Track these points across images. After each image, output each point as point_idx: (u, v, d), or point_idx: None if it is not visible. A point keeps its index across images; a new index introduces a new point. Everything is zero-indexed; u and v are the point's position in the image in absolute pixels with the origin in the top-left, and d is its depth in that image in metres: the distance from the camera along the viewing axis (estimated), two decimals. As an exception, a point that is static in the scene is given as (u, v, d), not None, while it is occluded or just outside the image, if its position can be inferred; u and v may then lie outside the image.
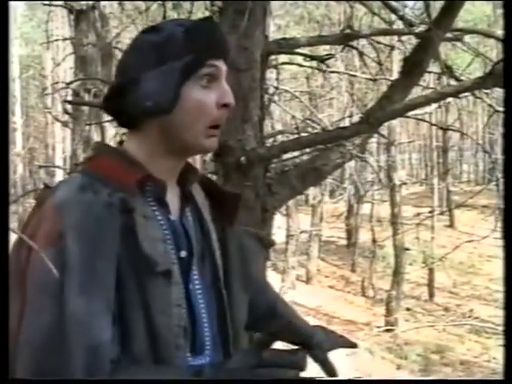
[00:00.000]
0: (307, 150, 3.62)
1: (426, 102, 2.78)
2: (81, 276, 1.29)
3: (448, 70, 3.55)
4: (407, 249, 15.27)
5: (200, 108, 1.44)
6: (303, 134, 3.53)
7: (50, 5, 10.05)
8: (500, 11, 19.36)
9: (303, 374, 1.46)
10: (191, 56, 1.43)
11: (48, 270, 1.19)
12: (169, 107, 1.42)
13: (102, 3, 8.11)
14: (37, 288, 1.29)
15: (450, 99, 4.11)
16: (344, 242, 21.11)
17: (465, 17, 20.47)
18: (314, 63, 4.19)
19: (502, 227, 1.91)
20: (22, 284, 1.31)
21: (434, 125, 4.48)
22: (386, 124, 14.21)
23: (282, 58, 5.04)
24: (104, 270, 1.32)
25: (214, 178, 3.29)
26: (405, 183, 20.62)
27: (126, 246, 1.37)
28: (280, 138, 5.85)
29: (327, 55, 3.36)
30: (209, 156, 4.60)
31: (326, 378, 1.66)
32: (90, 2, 7.68)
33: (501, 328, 13.39)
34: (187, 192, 1.56)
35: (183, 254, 1.48)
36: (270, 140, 4.25)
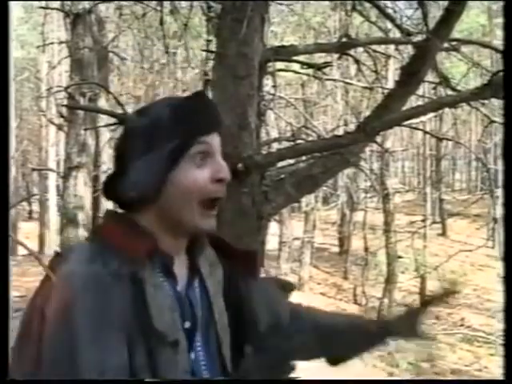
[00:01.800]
0: (303, 157, 3.62)
1: (423, 111, 2.79)
2: (91, 349, 1.30)
3: (444, 80, 3.56)
4: (400, 257, 15.28)
5: (191, 187, 1.43)
6: (299, 142, 3.53)
7: (46, 8, 10.06)
8: (495, 21, 19.47)
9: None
10: (178, 139, 1.43)
11: (60, 346, 1.24)
12: (153, 197, 1.44)
13: (99, 7, 8.12)
14: (49, 364, 1.30)
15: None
16: (336, 249, 21.11)
17: (460, 26, 20.53)
18: (310, 70, 4.20)
19: (504, 230, 1.91)
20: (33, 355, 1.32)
21: (430, 134, 4.49)
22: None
23: (279, 64, 5.05)
24: (114, 341, 1.33)
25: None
26: (398, 191, 20.68)
27: (137, 316, 1.37)
28: (275, 145, 5.86)
29: (324, 63, 3.37)
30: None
31: (325, 378, 1.66)
32: (87, 6, 7.69)
33: (492, 337, 13.43)
34: (195, 263, 1.55)
35: (187, 324, 1.47)
36: (266, 147, 4.25)
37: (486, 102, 3.74)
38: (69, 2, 8.12)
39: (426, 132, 4.46)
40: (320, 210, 20.07)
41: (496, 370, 12.48)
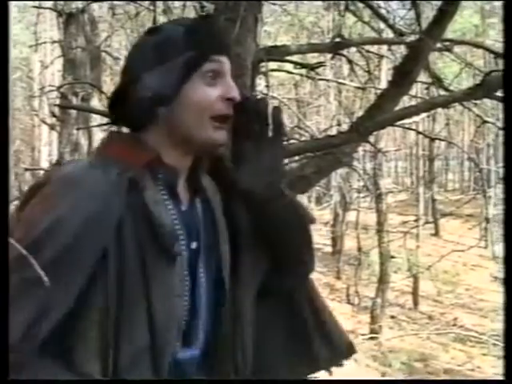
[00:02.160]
0: (296, 157, 3.62)
1: (416, 111, 2.80)
2: (60, 250, 1.28)
3: (437, 80, 3.57)
4: (392, 257, 15.30)
5: (202, 102, 1.45)
6: (292, 142, 3.54)
7: (39, 7, 10.03)
8: (488, 21, 19.52)
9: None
10: (193, 52, 1.43)
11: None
12: (168, 98, 1.43)
13: (92, 7, 8.10)
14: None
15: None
16: (329, 249, 21.12)
17: (452, 26, 20.56)
18: (303, 70, 4.20)
19: (503, 231, 1.91)
20: None
21: (423, 134, 4.50)
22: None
23: (271, 64, 5.06)
24: (84, 254, 1.31)
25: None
26: (391, 191, 20.72)
27: (135, 226, 1.36)
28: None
29: (318, 63, 3.38)
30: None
31: (325, 378, 1.66)
32: (80, 6, 7.67)
33: (485, 337, 13.46)
34: (198, 184, 1.55)
35: (194, 245, 1.47)
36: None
37: (478, 102, 3.75)
38: (61, 2, 8.10)
39: (418, 132, 4.47)
40: (313, 209, 20.09)
41: (489, 370, 12.52)
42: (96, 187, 1.32)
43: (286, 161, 3.44)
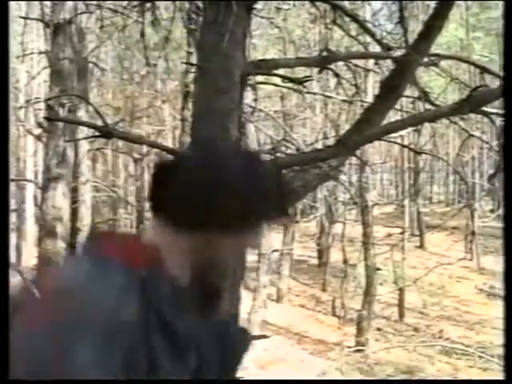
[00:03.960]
0: (283, 171, 3.63)
1: (403, 126, 2.82)
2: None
3: (424, 95, 3.59)
4: (378, 269, 15.32)
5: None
6: (279, 155, 3.55)
7: (26, 18, 10.00)
8: (473, 35, 19.66)
9: None
10: None
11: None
12: None
13: (80, 18, 8.10)
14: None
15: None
16: (315, 261, 21.14)
17: (437, 40, 20.70)
18: (291, 83, 4.21)
19: (504, 234, 1.91)
20: None
21: (408, 148, 4.51)
22: (360, 145, 14.33)
23: (259, 77, 5.08)
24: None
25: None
26: (377, 204, 20.77)
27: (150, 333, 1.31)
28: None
29: (305, 77, 3.39)
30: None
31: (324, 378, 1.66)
32: (68, 17, 7.66)
33: (471, 349, 13.49)
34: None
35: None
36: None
37: (465, 116, 3.78)
38: (49, 12, 8.09)
39: (404, 146, 4.49)
40: (299, 222, 20.10)
41: (474, 383, 12.55)
42: (107, 297, 1.25)
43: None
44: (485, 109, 2.83)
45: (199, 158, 1.36)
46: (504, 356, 1.73)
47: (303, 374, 10.38)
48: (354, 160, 15.18)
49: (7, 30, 1.22)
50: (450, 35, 21.05)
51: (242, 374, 1.60)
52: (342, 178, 22.48)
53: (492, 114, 2.84)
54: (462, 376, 12.95)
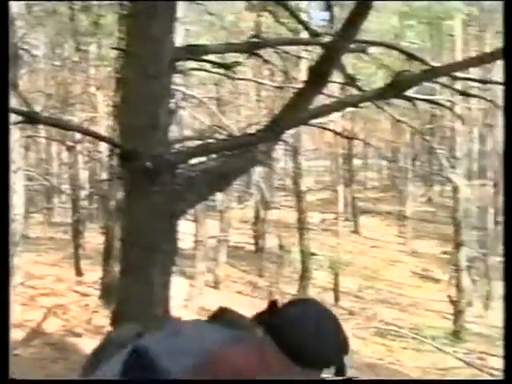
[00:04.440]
0: (214, 155, 3.65)
1: (328, 110, 2.87)
2: None
3: (351, 80, 3.65)
4: (313, 254, 15.50)
5: None
6: (210, 140, 3.57)
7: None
8: (406, 23, 19.95)
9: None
10: None
11: None
12: None
13: (9, 3, 7.88)
14: None
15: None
16: (252, 247, 21.23)
17: (371, 27, 20.97)
18: (224, 70, 4.23)
19: (504, 233, 1.95)
20: None
21: (336, 133, 4.59)
22: (293, 131, 14.44)
23: (192, 63, 5.06)
24: None
25: (120, 182, 3.29)
26: (311, 189, 20.96)
27: None
28: (189, 144, 5.85)
29: (234, 63, 3.41)
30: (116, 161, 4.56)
31: (324, 378, 1.72)
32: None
33: (404, 330, 13.81)
34: None
35: None
36: (178, 146, 4.26)
37: (392, 101, 3.86)
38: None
39: (332, 131, 4.57)
40: (235, 208, 20.17)
41: (409, 363, 12.85)
42: None
43: (204, 159, 3.47)
44: (409, 94, 2.91)
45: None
46: (504, 356, 1.77)
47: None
48: (289, 146, 15.29)
49: (7, 30, 1.22)
50: (384, 23, 21.31)
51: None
52: (278, 164, 22.68)
53: (414, 98, 2.93)
54: (396, 356, 13.24)
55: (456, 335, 15.62)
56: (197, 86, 16.29)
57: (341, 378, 1.64)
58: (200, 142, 3.49)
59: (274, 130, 2.90)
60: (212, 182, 3.34)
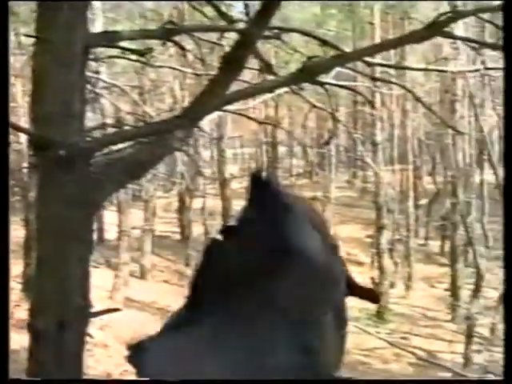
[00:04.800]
0: (132, 143, 3.63)
1: (241, 96, 2.89)
2: None
3: (266, 67, 3.67)
4: (239, 241, 15.58)
5: None
6: (126, 128, 3.54)
7: None
8: (328, 11, 20.20)
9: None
10: None
11: None
12: None
13: None
14: None
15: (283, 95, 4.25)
16: (177, 236, 21.19)
17: (294, 16, 21.19)
18: (138, 56, 4.18)
19: (504, 231, 1.98)
20: None
21: (251, 119, 4.61)
22: (217, 119, 14.46)
23: (111, 51, 4.99)
24: None
25: (35, 172, 3.25)
26: (235, 177, 21.03)
27: None
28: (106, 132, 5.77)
29: (147, 49, 3.39)
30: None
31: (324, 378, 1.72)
32: None
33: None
34: None
35: None
36: (94, 134, 4.20)
37: (305, 86, 3.91)
38: None
39: (248, 117, 4.59)
40: (160, 197, 20.07)
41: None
42: None
43: (120, 146, 3.45)
44: (320, 80, 2.96)
45: None
46: (504, 356, 1.80)
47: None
48: (214, 134, 15.27)
49: (7, 30, 1.18)
50: (306, 11, 21.55)
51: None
52: (205, 152, 22.64)
53: (327, 84, 2.98)
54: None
55: (379, 316, 16.02)
56: (121, 75, 16.13)
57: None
58: (115, 130, 3.45)
59: (188, 116, 2.91)
60: (129, 170, 3.32)
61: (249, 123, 33.04)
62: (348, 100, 29.77)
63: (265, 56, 3.89)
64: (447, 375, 12.85)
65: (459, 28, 13.57)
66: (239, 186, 27.92)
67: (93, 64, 9.18)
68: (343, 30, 24.31)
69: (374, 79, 6.24)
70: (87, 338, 3.23)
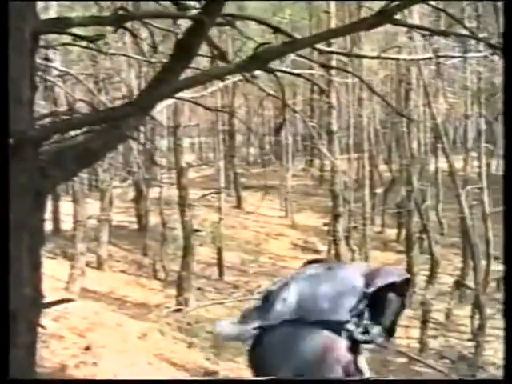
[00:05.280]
0: (83, 131, 3.58)
1: (192, 83, 2.87)
2: None
3: (219, 54, 3.66)
4: (196, 230, 15.56)
5: None
6: (76, 116, 3.50)
7: None
8: (283, 3, 20.26)
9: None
10: None
11: None
12: None
13: None
14: None
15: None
16: (135, 226, 21.07)
17: (252, 5, 21.23)
18: (97, 45, 4.13)
19: (504, 229, 1.97)
20: None
21: (201, 105, 4.59)
22: (172, 107, 14.37)
23: (64, 38, 4.91)
24: None
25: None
26: (191, 166, 20.97)
27: None
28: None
29: (97, 35, 3.34)
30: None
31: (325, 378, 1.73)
32: None
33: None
34: None
35: None
36: (44, 122, 4.14)
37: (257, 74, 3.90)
38: None
39: (198, 104, 4.57)
40: (116, 187, 19.92)
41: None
42: None
43: (72, 133, 3.41)
44: (271, 66, 2.96)
45: None
46: (504, 356, 1.80)
47: (121, 337, 10.41)
48: (170, 123, 15.16)
49: (7, 30, 1.14)
50: (264, 2, 21.59)
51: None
52: (162, 141, 22.53)
53: (277, 71, 2.98)
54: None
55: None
56: (76, 63, 15.92)
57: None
58: (64, 117, 3.41)
59: (140, 104, 2.88)
60: (79, 158, 3.28)
61: (206, 112, 32.94)
62: (306, 89, 29.91)
63: (221, 45, 3.88)
64: (403, 360, 13.05)
65: (415, 17, 13.73)
66: (196, 175, 27.90)
67: (44, 51, 9.05)
68: (300, 19, 24.40)
69: (324, 66, 6.28)
70: (40, 329, 3.19)
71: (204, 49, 3.96)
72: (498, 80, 16.27)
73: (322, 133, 18.68)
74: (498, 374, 9.40)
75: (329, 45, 13.28)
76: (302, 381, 1.63)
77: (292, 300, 1.67)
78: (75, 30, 3.72)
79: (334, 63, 14.51)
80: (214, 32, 11.49)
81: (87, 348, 9.35)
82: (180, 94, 5.59)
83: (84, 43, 3.39)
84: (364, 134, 20.01)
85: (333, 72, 14.65)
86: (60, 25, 3.49)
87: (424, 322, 14.16)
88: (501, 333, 11.90)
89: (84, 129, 3.44)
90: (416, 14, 13.99)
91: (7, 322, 1.25)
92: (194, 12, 3.46)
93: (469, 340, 13.31)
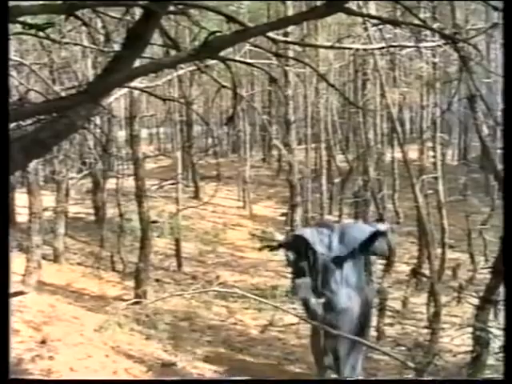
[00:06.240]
0: (33, 121, 3.53)
1: (143, 72, 2.86)
2: None
3: (173, 43, 3.64)
4: (154, 221, 15.48)
5: None
6: (25, 105, 3.45)
7: None
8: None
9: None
10: None
11: None
12: None
13: None
14: None
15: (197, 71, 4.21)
16: (92, 217, 20.87)
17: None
18: (45, 33, 4.07)
19: (504, 228, 1.95)
20: None
21: (152, 94, 4.57)
22: (128, 97, 14.26)
23: (16, 28, 4.83)
24: None
25: None
26: (148, 156, 20.84)
27: None
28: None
29: (46, 24, 3.30)
30: None
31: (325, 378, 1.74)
32: None
33: (244, 292, 14.17)
34: None
35: None
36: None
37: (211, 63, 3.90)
38: None
39: (150, 93, 4.53)
40: (73, 178, 19.69)
41: (250, 322, 13.22)
42: None
43: (22, 123, 3.36)
44: (221, 55, 2.95)
45: None
46: (504, 356, 1.80)
47: (78, 329, 10.33)
48: (127, 113, 15.03)
49: (7, 30, 1.10)
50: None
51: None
52: (119, 132, 22.38)
53: (228, 60, 2.97)
54: (238, 317, 13.58)
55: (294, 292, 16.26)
56: (31, 52, 15.67)
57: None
58: (14, 107, 3.34)
59: (91, 93, 2.85)
60: (29, 149, 3.23)
61: (165, 102, 32.70)
62: (264, 80, 29.95)
63: (178, 35, 3.86)
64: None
65: (371, 8, 13.80)
66: (154, 165, 27.75)
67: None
68: (258, 9, 24.40)
69: (278, 56, 6.27)
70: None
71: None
72: (452, 69, 16.51)
73: (280, 123, 18.74)
74: (453, 360, 9.58)
75: (285, 34, 13.35)
76: (302, 381, 1.68)
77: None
78: (27, 19, 3.67)
79: (291, 54, 14.57)
80: (171, 22, 11.41)
81: (43, 341, 9.24)
82: (135, 84, 5.55)
83: (34, 32, 3.32)
84: (321, 125, 20.10)
85: (291, 62, 14.68)
86: (10, 14, 3.43)
87: (381, 310, 14.30)
88: (457, 320, 12.13)
89: (33, 119, 3.40)
90: (373, 5, 14.07)
91: (7, 321, 1.22)
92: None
93: (425, 327, 13.50)
